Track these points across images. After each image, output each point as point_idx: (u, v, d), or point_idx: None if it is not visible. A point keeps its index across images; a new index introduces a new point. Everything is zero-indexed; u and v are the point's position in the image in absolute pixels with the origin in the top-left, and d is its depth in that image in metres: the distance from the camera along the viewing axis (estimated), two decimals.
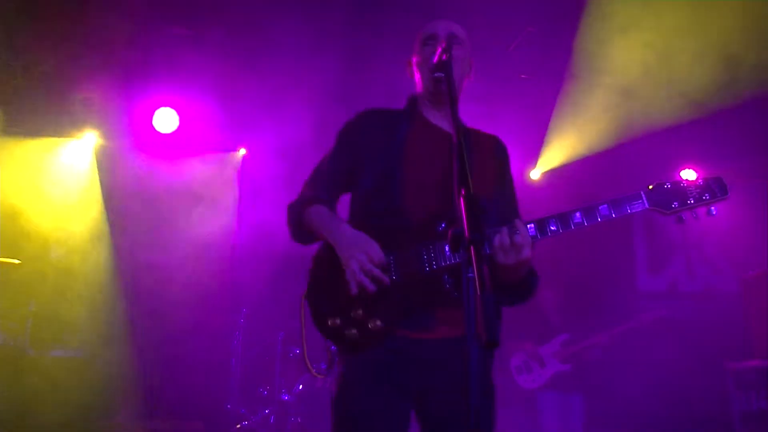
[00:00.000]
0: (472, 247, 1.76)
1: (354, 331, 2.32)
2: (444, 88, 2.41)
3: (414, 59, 2.64)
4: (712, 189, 2.30)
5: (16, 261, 5.92)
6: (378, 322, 2.30)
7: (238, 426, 6.15)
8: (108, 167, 6.71)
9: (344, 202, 2.64)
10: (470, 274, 1.75)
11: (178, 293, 6.53)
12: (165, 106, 6.62)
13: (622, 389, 6.37)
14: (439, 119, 2.59)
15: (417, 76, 2.62)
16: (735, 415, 5.30)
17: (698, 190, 2.31)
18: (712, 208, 2.30)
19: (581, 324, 6.19)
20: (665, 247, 7.67)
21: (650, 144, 6.91)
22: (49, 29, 5.71)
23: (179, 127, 6.68)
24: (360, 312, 2.32)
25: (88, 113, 6.52)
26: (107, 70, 6.11)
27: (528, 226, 2.28)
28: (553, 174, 7.38)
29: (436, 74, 2.38)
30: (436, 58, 2.31)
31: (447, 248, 2.28)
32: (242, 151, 7.25)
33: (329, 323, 2.35)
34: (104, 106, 6.40)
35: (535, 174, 7.50)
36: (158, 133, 6.65)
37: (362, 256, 2.28)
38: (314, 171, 2.65)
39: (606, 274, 7.15)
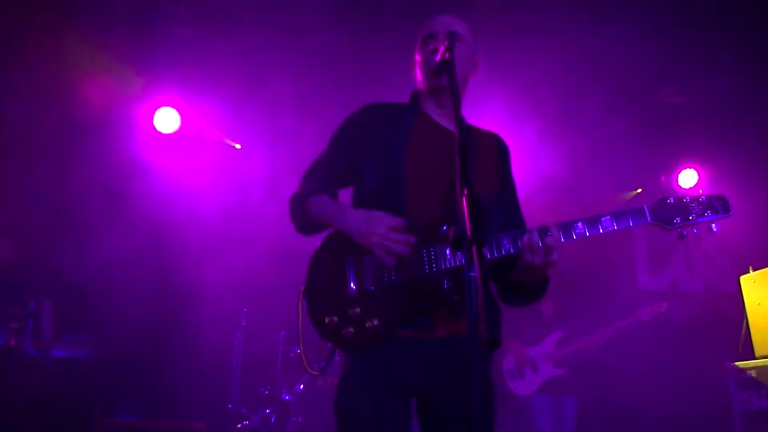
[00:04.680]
0: (474, 247, 1.76)
1: (351, 329, 2.31)
2: (444, 85, 2.41)
3: (416, 57, 2.62)
4: (715, 206, 2.34)
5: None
6: (375, 322, 2.30)
7: (239, 426, 6.16)
8: (108, 166, 6.69)
9: (345, 196, 2.63)
10: (472, 274, 1.75)
11: (178, 292, 6.53)
12: (166, 105, 6.62)
13: (621, 389, 6.35)
14: (441, 117, 2.58)
15: (419, 75, 2.61)
16: (735, 414, 5.31)
17: (700, 207, 2.34)
18: (713, 225, 2.34)
19: (579, 323, 6.08)
20: (665, 245, 7.68)
21: (650, 143, 6.93)
22: (49, 29, 5.72)
23: (180, 127, 6.68)
24: (357, 310, 2.32)
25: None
26: (107, 70, 6.12)
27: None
28: None
29: (437, 75, 2.38)
30: (438, 57, 2.29)
31: (448, 251, 2.29)
32: (242, 151, 7.24)
33: (326, 321, 2.35)
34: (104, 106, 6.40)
35: None
36: (159, 132, 6.65)
37: (380, 228, 2.31)
38: (313, 164, 2.64)
39: (606, 272, 7.15)
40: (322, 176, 2.58)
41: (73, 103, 6.21)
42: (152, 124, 6.61)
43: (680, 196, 2.36)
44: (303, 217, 2.53)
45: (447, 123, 2.57)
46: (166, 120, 6.61)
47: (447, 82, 2.25)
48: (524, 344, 6.01)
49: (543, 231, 2.25)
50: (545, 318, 6.10)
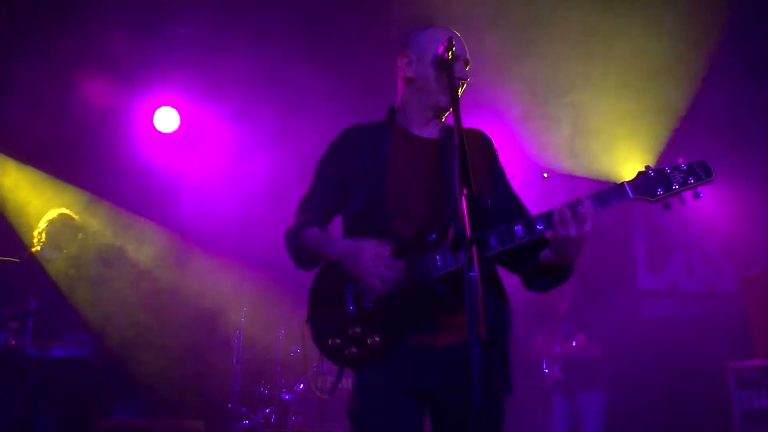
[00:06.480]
0: (473, 247, 1.76)
1: (354, 349, 2.35)
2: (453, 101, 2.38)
3: (412, 62, 2.57)
4: (697, 172, 2.28)
5: (16, 260, 5.93)
6: (377, 338, 2.33)
7: (239, 425, 6.16)
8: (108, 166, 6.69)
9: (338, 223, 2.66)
10: (472, 274, 1.75)
11: (178, 293, 6.53)
12: (166, 105, 6.62)
13: (621, 388, 6.35)
14: (420, 128, 2.58)
15: (409, 89, 2.59)
16: (735, 414, 5.31)
17: (682, 175, 2.28)
18: (698, 190, 2.27)
19: (581, 322, 6.08)
20: (665, 245, 7.67)
21: (649, 143, 6.92)
22: (49, 29, 5.72)
23: (180, 127, 6.68)
24: (358, 330, 2.35)
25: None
26: (107, 70, 6.12)
27: (515, 227, 2.25)
28: None
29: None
30: (439, 53, 2.30)
31: (438, 257, 2.28)
32: (243, 150, 7.23)
33: (330, 343, 2.40)
34: (104, 106, 6.40)
35: None
36: (159, 132, 6.65)
37: (367, 257, 2.31)
38: (304, 197, 2.67)
39: (606, 272, 7.13)
40: (312, 209, 2.62)
41: (73, 103, 6.22)
42: (152, 124, 6.62)
43: (660, 167, 2.29)
44: (299, 252, 2.56)
45: (427, 133, 2.58)
46: (166, 120, 6.62)
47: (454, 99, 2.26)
48: (538, 340, 6.08)
49: (574, 203, 2.21)
50: (559, 315, 6.13)
